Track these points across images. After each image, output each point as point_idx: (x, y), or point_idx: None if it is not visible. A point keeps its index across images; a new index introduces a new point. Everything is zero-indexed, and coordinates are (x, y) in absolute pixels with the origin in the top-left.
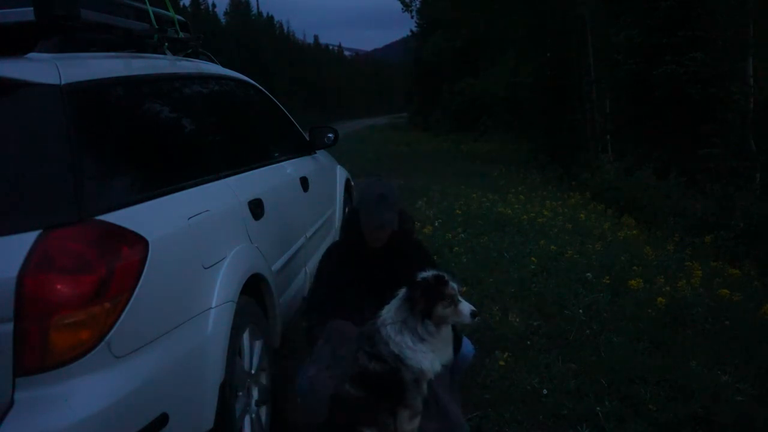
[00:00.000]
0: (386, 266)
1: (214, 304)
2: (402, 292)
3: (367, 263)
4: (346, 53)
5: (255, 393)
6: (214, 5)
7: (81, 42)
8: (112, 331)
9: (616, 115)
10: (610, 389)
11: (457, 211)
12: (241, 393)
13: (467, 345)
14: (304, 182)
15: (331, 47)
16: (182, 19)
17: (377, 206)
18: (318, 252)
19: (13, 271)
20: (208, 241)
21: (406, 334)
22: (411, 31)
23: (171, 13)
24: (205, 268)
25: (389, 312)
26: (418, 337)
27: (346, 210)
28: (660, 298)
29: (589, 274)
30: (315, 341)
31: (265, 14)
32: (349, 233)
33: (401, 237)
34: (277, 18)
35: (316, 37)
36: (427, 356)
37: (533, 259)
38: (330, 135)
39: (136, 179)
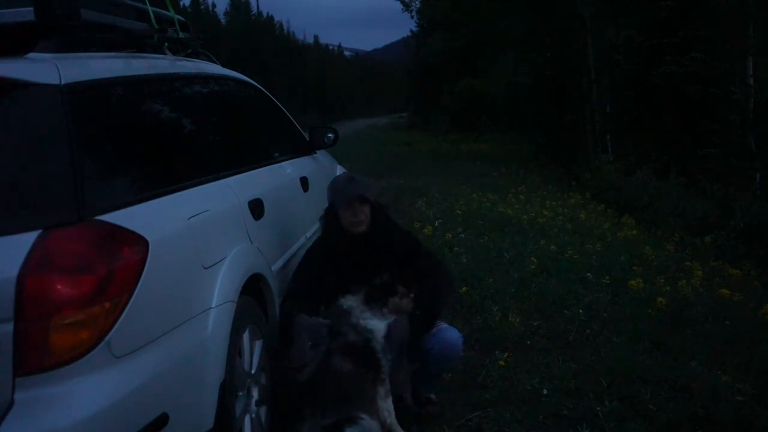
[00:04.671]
0: (369, 253)
1: (214, 304)
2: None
3: (350, 254)
4: (346, 53)
5: (255, 393)
6: (214, 5)
7: (81, 42)
8: (112, 331)
9: (616, 115)
10: (610, 389)
11: (457, 211)
12: (241, 393)
13: (453, 332)
14: (304, 182)
15: (331, 47)
16: (182, 19)
17: (349, 185)
18: None
19: (13, 271)
20: (208, 241)
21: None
22: (411, 31)
23: (171, 13)
24: (205, 268)
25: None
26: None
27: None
28: (660, 298)
29: (589, 274)
30: (288, 328)
31: (265, 14)
32: (328, 229)
33: (379, 219)
34: (277, 18)
35: (316, 37)
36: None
37: (533, 259)
38: (330, 135)
39: (136, 179)
